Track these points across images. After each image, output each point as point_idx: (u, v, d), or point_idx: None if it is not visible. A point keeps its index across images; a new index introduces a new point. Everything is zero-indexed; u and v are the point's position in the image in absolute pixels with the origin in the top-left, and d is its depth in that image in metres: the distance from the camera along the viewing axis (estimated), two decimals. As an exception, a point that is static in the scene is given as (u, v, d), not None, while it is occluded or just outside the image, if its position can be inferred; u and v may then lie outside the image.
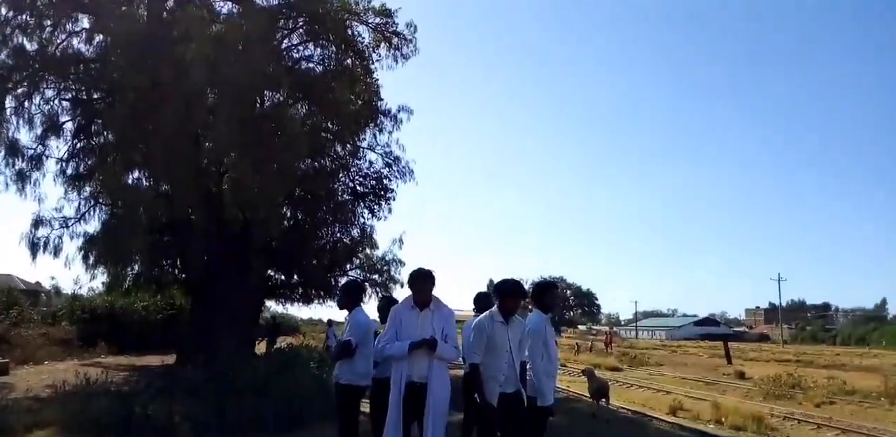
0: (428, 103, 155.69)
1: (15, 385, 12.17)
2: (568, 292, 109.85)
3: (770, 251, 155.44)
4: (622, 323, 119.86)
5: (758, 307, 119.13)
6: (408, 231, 22.59)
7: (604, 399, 11.67)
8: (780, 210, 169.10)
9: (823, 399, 16.72)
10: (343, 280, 19.72)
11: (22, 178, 13.37)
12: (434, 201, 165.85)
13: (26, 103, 13.53)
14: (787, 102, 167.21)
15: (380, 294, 19.53)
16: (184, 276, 17.24)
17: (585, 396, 12.93)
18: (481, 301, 6.37)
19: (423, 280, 4.92)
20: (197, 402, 8.27)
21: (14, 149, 13.39)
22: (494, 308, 4.95)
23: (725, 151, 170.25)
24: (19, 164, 13.38)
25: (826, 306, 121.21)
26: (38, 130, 13.79)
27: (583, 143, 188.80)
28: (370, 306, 7.07)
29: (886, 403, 16.17)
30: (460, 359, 5.31)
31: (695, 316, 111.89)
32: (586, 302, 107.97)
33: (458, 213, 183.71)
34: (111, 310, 23.07)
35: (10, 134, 13.56)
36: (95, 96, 14.09)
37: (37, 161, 13.57)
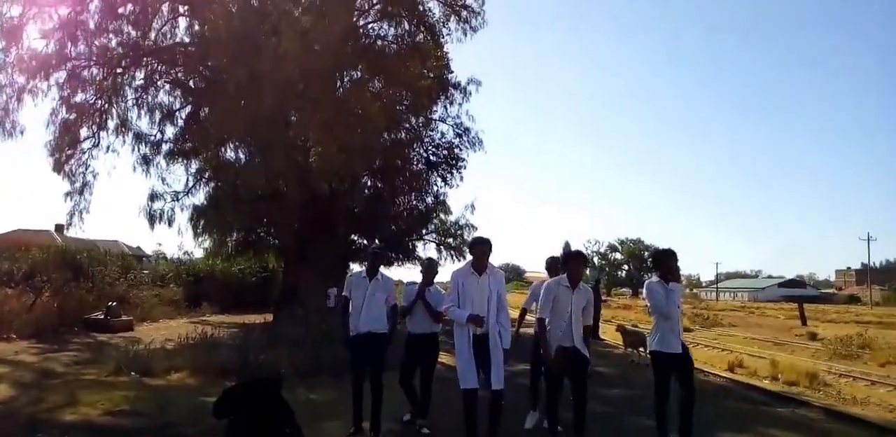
0: (496, 73, 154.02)
1: (141, 339, 14.10)
2: (646, 253, 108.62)
3: (864, 210, 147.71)
4: (703, 285, 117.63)
5: (849, 268, 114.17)
6: (479, 197, 23.61)
7: (641, 348, 12.97)
8: (874, 167, 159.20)
9: (890, 360, 16.82)
10: (420, 245, 21.19)
11: (146, 161, 15.23)
12: (504, 169, 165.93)
13: (145, 95, 15.28)
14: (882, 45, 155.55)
15: (454, 257, 20.81)
16: (277, 242, 18.87)
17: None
18: (551, 264, 6.93)
19: (481, 246, 5.44)
20: (297, 351, 9.70)
21: (139, 136, 15.24)
22: (565, 274, 5.62)
23: (812, 108, 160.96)
24: (144, 149, 15.19)
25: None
26: (157, 118, 15.50)
27: (661, 100, 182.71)
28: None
29: (956, 363, 16.13)
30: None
31: (781, 278, 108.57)
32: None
33: (528, 179, 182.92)
34: (212, 273, 25.36)
35: (133, 122, 15.41)
36: (202, 85, 15.55)
37: (157, 145, 15.30)
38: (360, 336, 5.81)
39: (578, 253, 5.96)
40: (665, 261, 5.84)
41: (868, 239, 69.23)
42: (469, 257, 5.64)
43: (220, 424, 5.07)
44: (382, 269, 6.30)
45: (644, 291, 5.92)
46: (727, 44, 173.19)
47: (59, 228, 43.03)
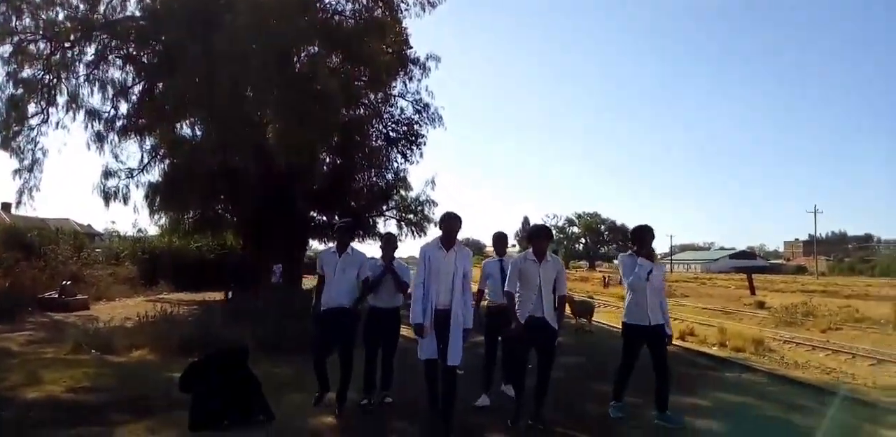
0: (454, 50, 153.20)
1: (98, 318, 13.95)
2: (602, 227, 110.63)
3: (810, 182, 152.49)
4: (658, 257, 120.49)
5: (797, 240, 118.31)
6: (439, 173, 23.71)
7: (588, 316, 14.27)
8: (822, 139, 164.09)
9: (831, 326, 17.77)
10: (380, 221, 21.28)
11: (100, 138, 14.91)
12: (463, 145, 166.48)
13: (96, 71, 14.92)
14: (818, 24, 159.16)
15: (415, 233, 20.98)
16: (235, 219, 18.74)
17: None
18: (497, 240, 7.16)
19: (450, 221, 5.51)
20: (258, 326, 9.79)
21: (92, 113, 14.92)
22: (530, 249, 5.73)
23: (760, 79, 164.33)
24: (97, 126, 14.88)
25: (868, 238, 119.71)
26: (110, 94, 15.17)
27: (617, 73, 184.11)
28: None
29: (890, 328, 17.14)
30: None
31: (732, 249, 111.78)
32: (620, 237, 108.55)
33: (487, 155, 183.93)
34: (169, 251, 25.04)
35: (85, 99, 15.08)
36: (155, 61, 15.22)
37: (110, 122, 14.97)
38: (330, 311, 5.84)
39: (542, 227, 6.01)
40: (639, 236, 6.04)
41: (815, 211, 71.68)
42: (437, 233, 5.68)
43: (186, 396, 5.22)
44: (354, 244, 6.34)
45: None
46: (681, 12, 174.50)
47: (5, 206, 41.71)
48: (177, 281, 23.46)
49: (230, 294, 17.06)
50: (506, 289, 5.74)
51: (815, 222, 74.94)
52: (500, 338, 6.55)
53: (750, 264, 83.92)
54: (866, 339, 15.67)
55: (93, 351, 8.64)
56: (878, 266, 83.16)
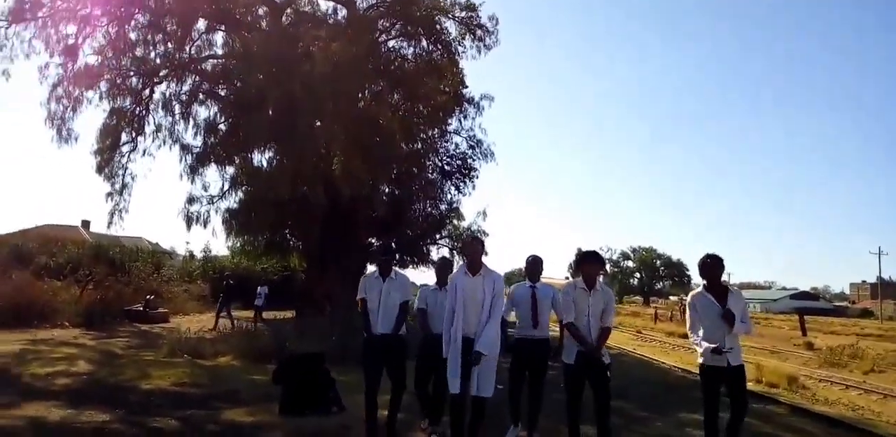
0: (507, 88, 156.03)
1: (179, 329, 15.54)
2: (658, 262, 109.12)
3: (879, 222, 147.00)
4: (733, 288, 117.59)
5: (863, 282, 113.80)
6: (490, 205, 24.90)
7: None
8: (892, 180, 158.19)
9: (874, 368, 17.80)
10: (434, 249, 22.48)
11: (193, 171, 16.71)
12: (515, 179, 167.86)
13: (188, 108, 16.94)
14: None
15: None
16: (301, 243, 20.24)
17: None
18: (529, 265, 6.32)
19: (472, 245, 5.54)
20: (325, 340, 11.04)
21: (187, 149, 16.82)
22: (580, 277, 5.41)
23: (826, 120, 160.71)
24: (190, 160, 16.70)
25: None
26: (193, 127, 17.08)
27: (674, 110, 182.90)
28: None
29: (935, 374, 17.10)
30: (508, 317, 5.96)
31: (794, 290, 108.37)
32: (676, 273, 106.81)
33: (538, 188, 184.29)
34: (237, 271, 26.81)
35: (173, 129, 16.99)
36: (232, 98, 17.02)
37: (204, 158, 16.73)
38: (376, 338, 5.59)
39: (593, 253, 5.62)
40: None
41: (879, 253, 69.69)
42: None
43: (271, 392, 6.48)
44: (398, 269, 6.35)
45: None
46: (735, 53, 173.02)
47: (85, 223, 44.97)
48: (243, 299, 25.07)
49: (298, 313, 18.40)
50: (565, 321, 5.39)
51: (880, 263, 73.01)
52: (526, 373, 6.00)
53: (812, 306, 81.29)
54: (905, 382, 15.73)
55: (185, 356, 10.03)
56: (951, 311, 79.34)
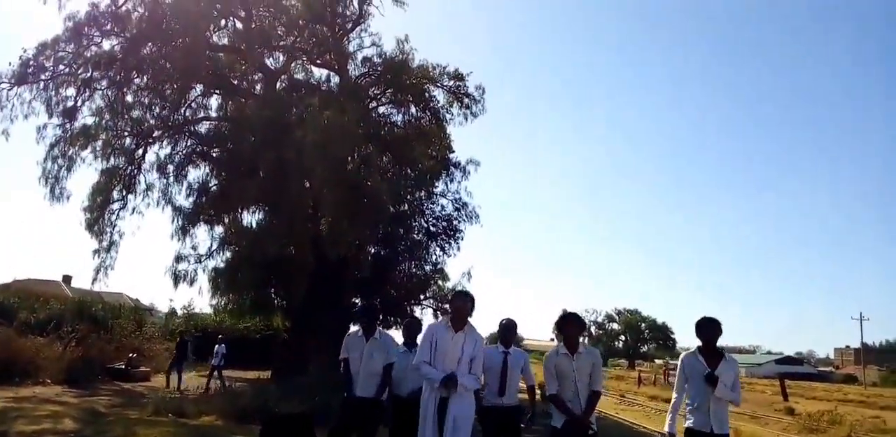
0: (493, 152, 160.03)
1: (161, 388, 15.51)
2: (643, 325, 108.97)
3: (865, 288, 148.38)
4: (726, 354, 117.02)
5: (847, 347, 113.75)
6: (475, 266, 25.29)
7: None
8: (878, 245, 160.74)
9: (850, 434, 18.02)
10: (418, 309, 22.67)
11: (184, 232, 17.09)
12: (499, 241, 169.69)
13: (174, 166, 17.42)
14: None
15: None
16: (285, 303, 20.41)
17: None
18: (506, 329, 6.07)
19: (461, 299, 5.26)
20: (308, 401, 11.14)
21: (178, 210, 17.30)
22: (562, 342, 5.25)
23: (809, 184, 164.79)
24: (181, 221, 17.12)
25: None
26: (184, 187, 17.57)
27: (651, 178, 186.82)
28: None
29: (909, 439, 17.37)
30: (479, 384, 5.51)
31: (779, 354, 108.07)
32: (661, 336, 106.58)
33: (523, 251, 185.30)
34: (219, 329, 26.67)
35: (173, 198, 17.56)
36: (225, 159, 17.59)
37: (194, 218, 17.12)
38: (355, 400, 5.48)
39: (572, 315, 5.45)
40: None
41: (861, 319, 70.27)
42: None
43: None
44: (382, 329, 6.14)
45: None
46: (716, 121, 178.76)
47: (66, 278, 44.74)
48: (225, 358, 24.85)
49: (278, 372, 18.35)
50: (549, 393, 5.18)
51: (861, 328, 73.06)
52: None
53: (797, 371, 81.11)
54: (879, 449, 15.98)
55: (169, 415, 10.11)
56: (933, 379, 79.25)
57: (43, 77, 16.58)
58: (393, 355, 5.72)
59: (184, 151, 17.83)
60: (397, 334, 6.73)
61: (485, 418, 5.62)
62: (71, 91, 16.84)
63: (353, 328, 5.86)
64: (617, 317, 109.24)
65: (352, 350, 5.66)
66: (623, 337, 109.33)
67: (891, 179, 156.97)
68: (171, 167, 17.62)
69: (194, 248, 17.98)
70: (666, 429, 5.10)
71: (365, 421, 5.47)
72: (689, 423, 4.99)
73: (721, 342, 5.09)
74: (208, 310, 25.30)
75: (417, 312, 22.86)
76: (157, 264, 69.60)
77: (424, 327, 5.64)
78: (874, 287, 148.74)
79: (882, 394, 47.24)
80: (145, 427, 8.71)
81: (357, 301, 22.04)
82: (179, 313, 32.69)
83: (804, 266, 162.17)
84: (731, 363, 5.03)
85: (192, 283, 17.79)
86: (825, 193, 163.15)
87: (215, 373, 17.11)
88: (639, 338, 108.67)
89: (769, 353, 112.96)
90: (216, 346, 18.19)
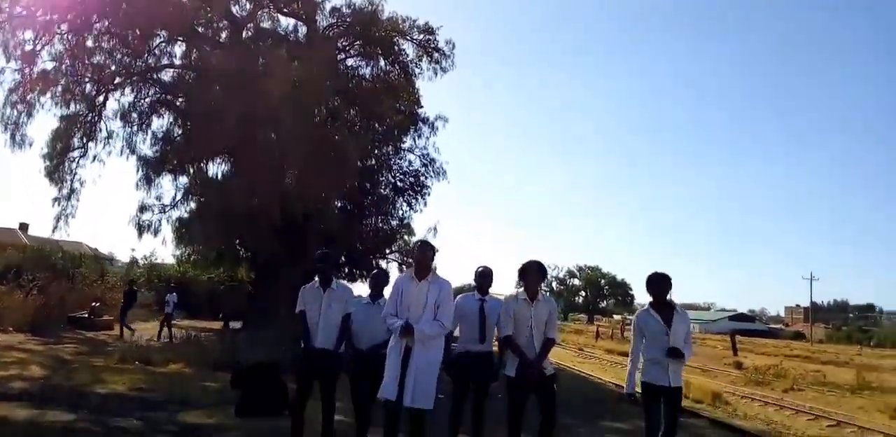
0: (462, 108, 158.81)
1: (124, 338, 15.60)
2: (603, 281, 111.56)
3: (816, 249, 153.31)
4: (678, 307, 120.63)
5: (797, 305, 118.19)
6: (441, 222, 25.47)
7: None
8: (833, 206, 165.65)
9: (793, 387, 19.02)
10: (384, 263, 22.89)
11: (149, 181, 16.83)
12: (466, 197, 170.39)
13: (149, 122, 17.28)
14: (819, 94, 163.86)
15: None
16: (250, 254, 20.43)
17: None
18: (482, 276, 6.00)
19: (422, 249, 5.31)
20: (275, 350, 11.39)
21: (143, 159, 17.01)
22: (521, 288, 5.35)
23: (765, 144, 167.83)
24: (145, 170, 16.83)
25: (870, 308, 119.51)
26: (149, 136, 17.26)
27: (617, 132, 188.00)
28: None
29: (847, 392, 18.43)
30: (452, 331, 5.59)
31: (733, 311, 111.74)
32: (620, 292, 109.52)
33: (489, 207, 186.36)
34: (182, 279, 26.71)
35: (137, 147, 17.20)
36: (185, 108, 17.28)
37: (158, 167, 16.86)
38: (314, 352, 5.43)
39: (535, 263, 5.43)
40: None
41: (811, 278, 73.22)
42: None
43: (225, 397, 6.89)
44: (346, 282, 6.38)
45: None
46: (680, 77, 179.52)
47: (23, 226, 43.73)
48: (188, 308, 24.97)
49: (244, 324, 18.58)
50: (504, 334, 5.29)
51: (811, 288, 76.66)
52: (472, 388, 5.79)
53: (749, 327, 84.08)
54: (821, 400, 16.81)
55: (136, 362, 10.27)
56: (875, 336, 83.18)
57: (-1, 18, 15.88)
58: (351, 305, 5.65)
59: (147, 100, 17.36)
60: (364, 288, 6.79)
61: (458, 364, 5.65)
62: (29, 34, 16.14)
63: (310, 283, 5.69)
64: (578, 273, 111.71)
65: (309, 302, 5.56)
66: (583, 293, 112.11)
67: (847, 139, 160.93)
68: (134, 116, 17.19)
69: (158, 198, 17.74)
70: (626, 389, 5.30)
71: (325, 372, 5.45)
72: (646, 377, 5.06)
73: (676, 300, 5.31)
74: (171, 261, 25.19)
75: (383, 265, 23.09)
76: (117, 213, 68.22)
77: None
78: (825, 248, 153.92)
79: (826, 350, 49.64)
80: (112, 374, 8.88)
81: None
82: (141, 263, 32.39)
83: (759, 226, 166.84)
84: (682, 316, 5.14)
85: (156, 233, 17.66)
86: (781, 154, 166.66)
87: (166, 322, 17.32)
88: (598, 294, 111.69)
89: (723, 310, 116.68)
90: (167, 295, 18.38)
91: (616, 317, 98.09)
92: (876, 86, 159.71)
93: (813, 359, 35.90)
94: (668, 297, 5.23)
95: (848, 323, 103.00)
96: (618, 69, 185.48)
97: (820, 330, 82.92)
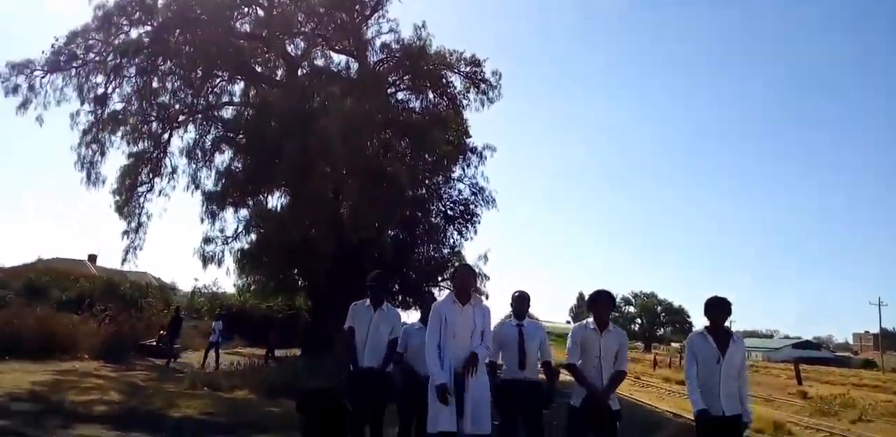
0: (510, 137, 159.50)
1: (192, 365, 16.28)
2: (659, 308, 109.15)
3: (885, 272, 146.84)
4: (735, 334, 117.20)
5: (866, 332, 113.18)
6: (492, 250, 25.65)
7: None
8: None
9: (861, 417, 18.29)
10: (436, 291, 23.17)
11: (213, 215, 17.71)
12: (516, 225, 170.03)
13: (212, 159, 18.34)
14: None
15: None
16: (308, 283, 21.03)
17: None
18: (519, 300, 5.87)
19: (464, 272, 5.30)
20: (334, 377, 11.76)
21: (207, 194, 17.93)
22: (591, 318, 5.25)
23: (827, 168, 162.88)
24: (212, 206, 17.75)
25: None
26: (223, 179, 18.16)
27: (680, 163, 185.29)
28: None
29: (921, 422, 17.64)
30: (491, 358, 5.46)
31: (797, 339, 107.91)
32: (678, 319, 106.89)
33: (539, 235, 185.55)
34: (243, 308, 27.55)
35: (202, 182, 18.19)
36: (247, 143, 18.14)
37: (221, 201, 17.72)
38: (363, 371, 5.46)
39: (604, 292, 5.37)
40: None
41: (879, 303, 70.17)
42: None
43: (288, 422, 7.25)
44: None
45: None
46: (735, 99, 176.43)
47: (91, 257, 45.79)
48: (248, 337, 25.71)
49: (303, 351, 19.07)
50: (568, 361, 5.22)
51: (880, 313, 73.30)
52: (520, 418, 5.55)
53: (814, 355, 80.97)
54: (892, 432, 16.13)
55: (205, 388, 10.78)
56: (952, 363, 78.74)
57: (74, 65, 17.16)
58: (398, 330, 5.68)
59: (210, 137, 18.32)
60: (416, 316, 6.72)
61: (506, 391, 5.42)
62: (101, 78, 17.42)
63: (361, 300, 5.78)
64: (633, 300, 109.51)
65: (358, 320, 5.57)
66: (639, 320, 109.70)
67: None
68: (198, 152, 18.09)
69: (221, 230, 18.56)
70: (695, 407, 4.93)
71: (375, 391, 5.43)
72: (700, 406, 4.86)
73: (738, 327, 5.26)
74: (232, 290, 26.08)
75: (435, 293, 23.35)
76: (179, 243, 71.22)
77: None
78: (893, 272, 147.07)
79: (897, 379, 47.42)
80: (184, 399, 9.39)
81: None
82: (202, 291, 33.52)
83: (824, 251, 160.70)
84: (739, 344, 4.97)
85: (219, 264, 18.39)
86: (846, 178, 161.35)
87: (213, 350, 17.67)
88: (655, 321, 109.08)
89: (787, 337, 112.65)
90: (213, 323, 18.74)
91: (674, 345, 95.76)
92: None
93: (884, 388, 34.33)
94: (725, 323, 5.09)
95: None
96: (665, 93, 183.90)
97: (892, 358, 78.82)
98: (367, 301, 5.68)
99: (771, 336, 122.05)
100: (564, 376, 5.85)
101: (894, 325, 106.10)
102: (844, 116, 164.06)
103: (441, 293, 23.53)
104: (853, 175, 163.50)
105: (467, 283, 5.10)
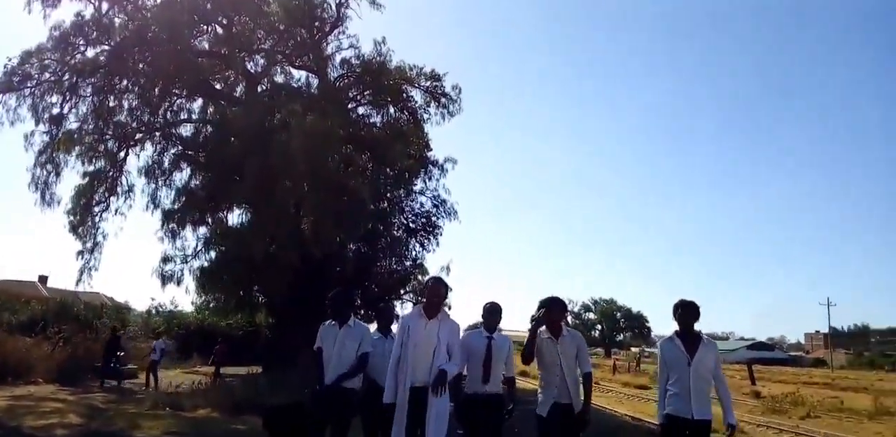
0: (470, 150, 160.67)
1: (150, 385, 15.98)
2: (618, 314, 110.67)
3: (834, 273, 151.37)
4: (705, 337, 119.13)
5: (817, 332, 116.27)
6: (454, 261, 25.82)
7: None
8: (852, 232, 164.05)
9: (809, 414, 18.98)
10: (398, 304, 23.24)
11: (172, 234, 17.51)
12: (477, 236, 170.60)
13: (171, 178, 18.15)
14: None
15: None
16: (268, 300, 20.88)
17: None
18: (490, 312, 5.67)
19: (435, 285, 5.19)
20: (297, 393, 11.72)
21: (168, 214, 17.65)
22: (544, 326, 5.10)
23: (778, 173, 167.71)
24: (171, 225, 17.53)
25: (893, 331, 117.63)
26: (182, 197, 17.99)
27: (633, 170, 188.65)
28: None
29: (864, 418, 18.39)
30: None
31: (752, 340, 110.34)
32: (637, 324, 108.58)
33: (500, 245, 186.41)
34: (201, 327, 27.11)
35: (161, 201, 17.96)
36: (203, 160, 18.05)
37: (181, 220, 17.52)
38: (325, 390, 5.36)
39: (555, 298, 5.31)
40: (678, 313, 5.16)
41: (828, 304, 72.52)
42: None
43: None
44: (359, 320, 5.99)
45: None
46: (689, 108, 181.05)
47: (42, 279, 44.49)
48: (207, 355, 25.26)
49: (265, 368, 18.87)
50: (507, 376, 5.32)
51: (829, 314, 75.34)
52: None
53: (768, 356, 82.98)
54: (838, 427, 16.80)
55: (167, 408, 10.65)
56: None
57: (28, 85, 16.90)
58: (368, 345, 5.54)
59: (170, 157, 18.17)
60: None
61: (466, 407, 5.33)
62: (56, 98, 17.22)
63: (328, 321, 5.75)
64: (593, 307, 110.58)
65: (325, 339, 5.52)
66: (599, 326, 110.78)
67: (861, 167, 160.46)
68: (157, 171, 17.90)
69: (181, 249, 18.37)
70: (658, 420, 5.07)
71: (335, 411, 5.35)
72: (668, 409, 4.91)
73: (695, 328, 5.07)
74: (190, 308, 25.68)
75: (398, 306, 23.45)
76: (135, 263, 69.30)
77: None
78: (842, 272, 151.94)
79: (847, 376, 49.03)
80: (147, 420, 9.27)
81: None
82: (158, 311, 32.84)
83: (776, 254, 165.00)
84: (709, 346, 4.98)
85: (178, 283, 18.21)
86: (794, 183, 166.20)
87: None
88: (615, 327, 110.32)
89: (741, 339, 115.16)
90: (154, 342, 18.54)
91: (633, 349, 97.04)
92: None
93: (832, 385, 35.55)
94: (695, 326, 5.07)
95: (870, 348, 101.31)
96: (621, 101, 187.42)
97: (841, 356, 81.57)
98: (333, 321, 5.67)
99: (726, 338, 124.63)
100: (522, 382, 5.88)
101: (843, 324, 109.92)
102: (787, 118, 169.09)
103: (404, 306, 23.69)
104: (798, 178, 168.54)
105: (437, 296, 5.10)
